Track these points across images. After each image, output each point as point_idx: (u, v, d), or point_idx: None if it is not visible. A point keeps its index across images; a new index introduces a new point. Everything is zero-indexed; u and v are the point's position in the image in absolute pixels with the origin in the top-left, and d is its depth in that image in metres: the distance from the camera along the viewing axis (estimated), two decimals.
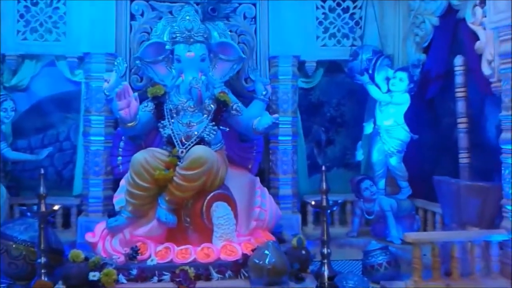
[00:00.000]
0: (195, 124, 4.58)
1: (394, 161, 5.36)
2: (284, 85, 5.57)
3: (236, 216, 4.50)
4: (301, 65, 5.70)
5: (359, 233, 5.57)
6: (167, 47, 4.75)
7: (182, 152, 4.44)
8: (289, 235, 5.28)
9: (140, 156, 4.28)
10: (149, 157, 4.29)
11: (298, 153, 5.72)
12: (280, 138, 5.56)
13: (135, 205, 4.31)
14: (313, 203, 4.53)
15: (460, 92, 4.63)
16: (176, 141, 4.50)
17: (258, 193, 4.81)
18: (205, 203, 4.35)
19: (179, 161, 4.36)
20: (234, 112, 4.76)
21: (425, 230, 5.34)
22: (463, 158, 4.60)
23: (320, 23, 5.78)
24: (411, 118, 5.31)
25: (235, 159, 5.10)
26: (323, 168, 4.47)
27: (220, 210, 4.32)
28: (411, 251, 3.93)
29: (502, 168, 3.96)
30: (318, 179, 6.02)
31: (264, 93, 5.14)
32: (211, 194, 4.39)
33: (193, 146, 4.45)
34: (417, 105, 5.32)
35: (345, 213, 5.80)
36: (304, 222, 5.69)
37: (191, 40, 4.61)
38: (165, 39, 4.79)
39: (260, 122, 4.53)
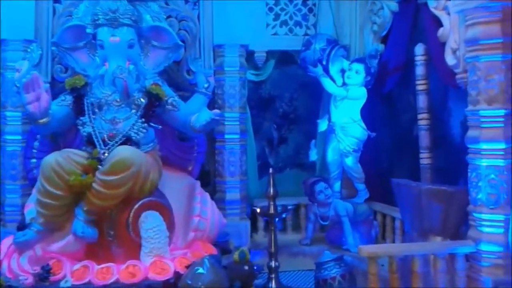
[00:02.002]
0: (121, 120, 3.97)
1: (350, 161, 4.90)
2: (231, 78, 5.02)
3: (171, 226, 3.94)
4: (249, 55, 5.17)
5: (313, 240, 5.13)
6: (88, 30, 4.10)
7: (104, 153, 3.82)
8: (235, 245, 4.79)
9: (51, 159, 3.63)
10: (63, 159, 3.65)
11: (247, 153, 5.23)
12: (227, 136, 5.02)
13: (47, 217, 3.68)
14: (258, 210, 4.01)
15: (421, 85, 4.17)
16: (98, 141, 3.87)
17: (197, 199, 4.25)
18: (131, 213, 3.76)
19: (100, 164, 3.73)
20: (169, 107, 4.17)
21: (383, 236, 4.92)
22: (425, 158, 4.14)
23: (271, 9, 5.27)
24: (367, 114, 4.85)
25: (173, 160, 4.50)
26: (271, 170, 3.95)
27: (149, 220, 3.73)
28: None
29: (468, 171, 3.52)
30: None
31: (206, 85, 4.58)
32: (140, 202, 3.80)
33: (117, 146, 3.82)
34: (374, 100, 4.88)
35: (298, 217, 5.34)
36: (254, 228, 5.20)
37: (116, 22, 3.98)
38: (87, 22, 4.13)
39: (198, 118, 3.98)
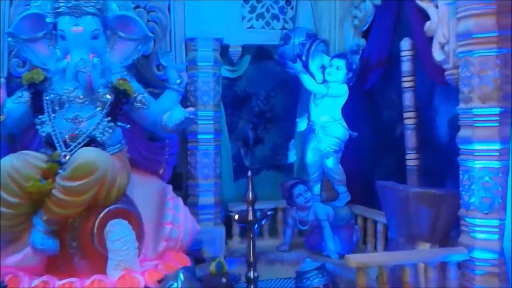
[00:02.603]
0: (84, 119, 3.61)
1: (330, 162, 4.66)
2: (204, 73, 4.73)
3: (141, 236, 3.63)
4: (224, 50, 4.88)
5: (292, 246, 4.88)
6: (48, 20, 3.72)
7: (65, 156, 3.46)
8: (210, 253, 4.48)
9: (7, 163, 3.26)
10: (19, 163, 3.28)
11: (222, 154, 4.94)
12: (200, 136, 4.72)
13: (2, 227, 3.30)
14: (236, 217, 3.70)
15: (407, 82, 3.94)
16: (58, 142, 3.51)
17: (169, 205, 3.93)
18: (97, 222, 3.44)
19: (61, 168, 3.36)
20: (138, 104, 3.83)
21: (365, 241, 4.71)
22: (411, 159, 3.92)
23: (246, 1, 4.97)
24: (349, 112, 4.61)
25: (142, 162, 4.17)
26: (249, 173, 3.65)
27: (117, 230, 3.40)
28: (351, 268, 3.20)
29: (460, 173, 3.31)
30: (245, 184, 5.33)
31: (178, 81, 4.25)
32: (106, 210, 3.47)
33: (80, 148, 3.46)
34: (356, 98, 4.64)
35: (276, 222, 5.08)
36: (229, 234, 4.91)
37: (79, 11, 3.62)
38: (47, 10, 3.74)
39: (171, 117, 3.67)
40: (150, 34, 4.02)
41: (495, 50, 3.09)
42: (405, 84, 3.94)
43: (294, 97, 5.18)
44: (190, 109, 3.66)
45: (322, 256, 4.59)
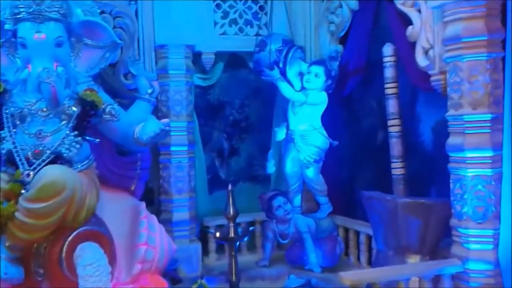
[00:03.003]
0: (48, 134, 3.30)
1: (311, 172, 4.48)
2: (176, 82, 4.49)
3: (113, 259, 3.33)
4: (196, 57, 4.65)
5: (271, 260, 4.65)
6: (7, 26, 3.39)
7: (28, 175, 3.13)
8: (186, 273, 4.24)
9: None
10: None
11: (196, 166, 4.66)
12: (173, 148, 4.47)
13: None
14: (218, 234, 3.47)
15: (390, 88, 3.81)
16: (20, 160, 3.18)
17: (143, 224, 3.65)
18: (65, 246, 3.13)
19: (24, 189, 3.04)
20: (107, 116, 3.53)
21: (347, 253, 4.54)
22: (397, 168, 3.78)
23: (218, 6, 4.75)
24: (329, 120, 4.46)
25: (112, 179, 3.87)
26: (230, 187, 3.43)
27: (87, 255, 3.10)
28: (336, 283, 3.08)
29: (451, 181, 3.20)
30: (220, 197, 5.12)
31: (149, 91, 4.01)
32: (75, 232, 3.17)
33: (45, 165, 3.15)
34: (335, 105, 4.49)
35: (254, 236, 4.83)
36: (205, 251, 4.65)
37: (41, 17, 3.30)
38: (5, 16, 3.41)
39: (144, 129, 3.42)
40: (119, 41, 3.74)
41: (485, 55, 3.00)
42: (388, 91, 3.81)
43: (269, 105, 5.00)
44: (165, 120, 3.41)
45: (304, 271, 4.40)
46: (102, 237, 3.29)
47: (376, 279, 2.93)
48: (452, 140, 3.16)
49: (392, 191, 3.85)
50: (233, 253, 3.48)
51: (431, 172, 3.72)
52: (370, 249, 4.23)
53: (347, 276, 2.92)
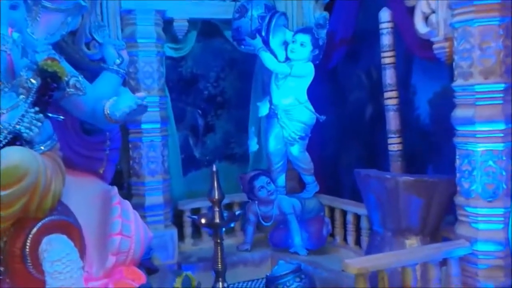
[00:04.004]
0: (4, 111, 2.81)
1: (296, 150, 4.19)
2: (146, 52, 4.07)
3: (83, 252, 2.91)
4: (167, 25, 4.20)
5: (253, 244, 4.37)
6: None
7: None
8: (161, 260, 3.88)
9: None
10: None
11: (169, 145, 4.25)
12: (144, 126, 4.07)
13: None
14: (203, 220, 3.11)
15: (387, 58, 3.52)
16: None
17: (116, 211, 3.23)
18: (28, 240, 2.71)
19: None
20: (71, 90, 3.07)
21: (333, 234, 4.30)
22: (394, 144, 3.52)
23: None
24: (316, 94, 4.14)
25: (78, 161, 3.42)
26: (214, 168, 3.08)
27: (55, 248, 2.70)
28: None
29: (457, 157, 2.98)
30: (195, 178, 4.78)
31: (118, 61, 3.54)
32: (39, 223, 2.74)
33: (2, 148, 2.68)
34: (323, 78, 4.17)
35: None
36: (181, 236, 4.32)
37: None
38: None
39: (118, 105, 3.05)
40: (84, 3, 3.26)
41: (498, 19, 2.76)
42: (386, 60, 3.52)
43: (247, 78, 4.67)
44: (141, 94, 3.03)
45: (289, 254, 4.15)
46: (71, 228, 2.88)
47: (383, 266, 2.69)
48: (460, 113, 2.92)
49: (384, 168, 3.61)
50: (218, 240, 3.15)
51: (426, 148, 3.49)
52: (358, 229, 4.01)
53: (353, 264, 2.65)
